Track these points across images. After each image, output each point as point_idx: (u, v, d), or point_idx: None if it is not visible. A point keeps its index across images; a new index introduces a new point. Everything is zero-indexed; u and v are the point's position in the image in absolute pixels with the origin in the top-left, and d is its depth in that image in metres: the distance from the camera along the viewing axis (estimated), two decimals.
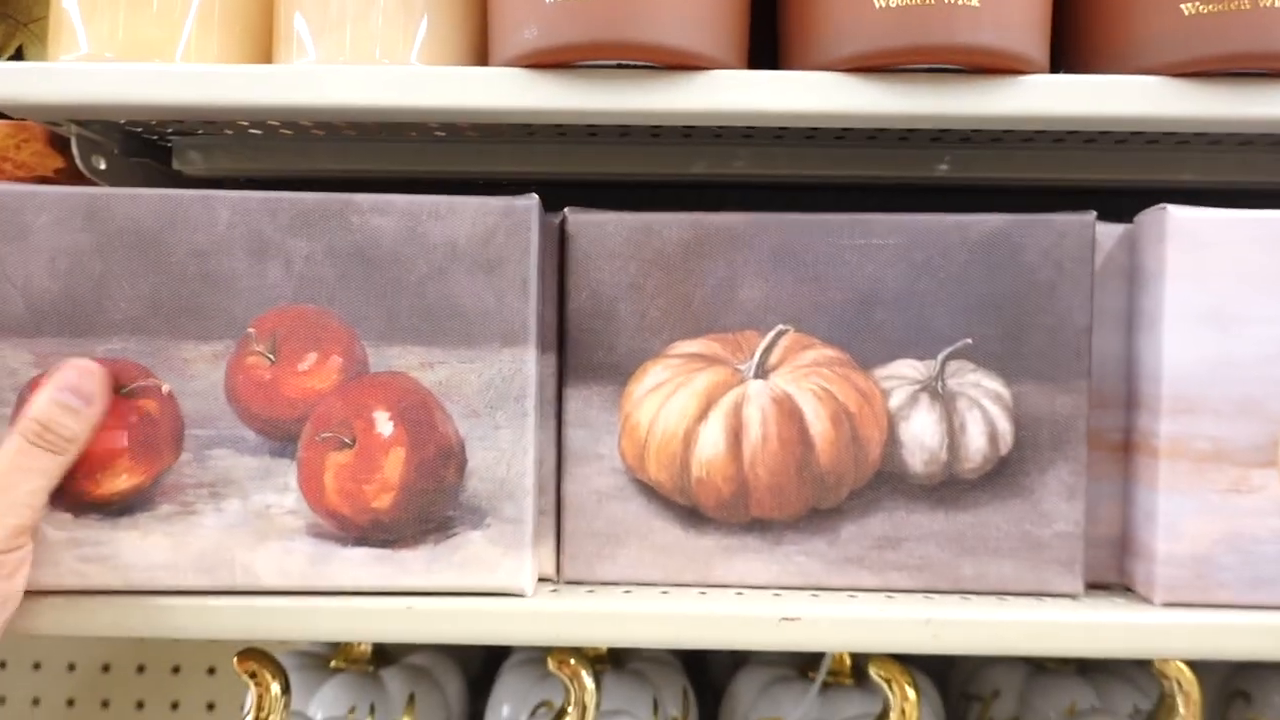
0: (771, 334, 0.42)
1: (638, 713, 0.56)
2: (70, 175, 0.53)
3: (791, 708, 0.55)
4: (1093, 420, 0.43)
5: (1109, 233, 0.44)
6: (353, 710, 0.56)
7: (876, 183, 0.54)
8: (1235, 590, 0.40)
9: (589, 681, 0.46)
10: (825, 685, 0.58)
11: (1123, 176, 0.53)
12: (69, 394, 0.39)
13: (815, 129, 0.46)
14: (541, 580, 0.44)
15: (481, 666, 0.69)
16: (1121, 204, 0.45)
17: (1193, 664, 0.65)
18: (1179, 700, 0.47)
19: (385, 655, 0.62)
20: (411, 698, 0.58)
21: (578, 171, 0.53)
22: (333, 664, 0.60)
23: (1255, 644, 0.40)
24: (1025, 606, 0.41)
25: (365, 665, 0.60)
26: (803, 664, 0.60)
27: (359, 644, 0.61)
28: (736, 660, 0.64)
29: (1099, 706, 0.57)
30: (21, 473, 0.38)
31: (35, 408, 0.38)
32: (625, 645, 0.41)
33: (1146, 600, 0.42)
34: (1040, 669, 0.61)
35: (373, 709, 0.57)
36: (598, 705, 0.47)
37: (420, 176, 0.53)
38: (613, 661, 0.61)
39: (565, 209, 0.43)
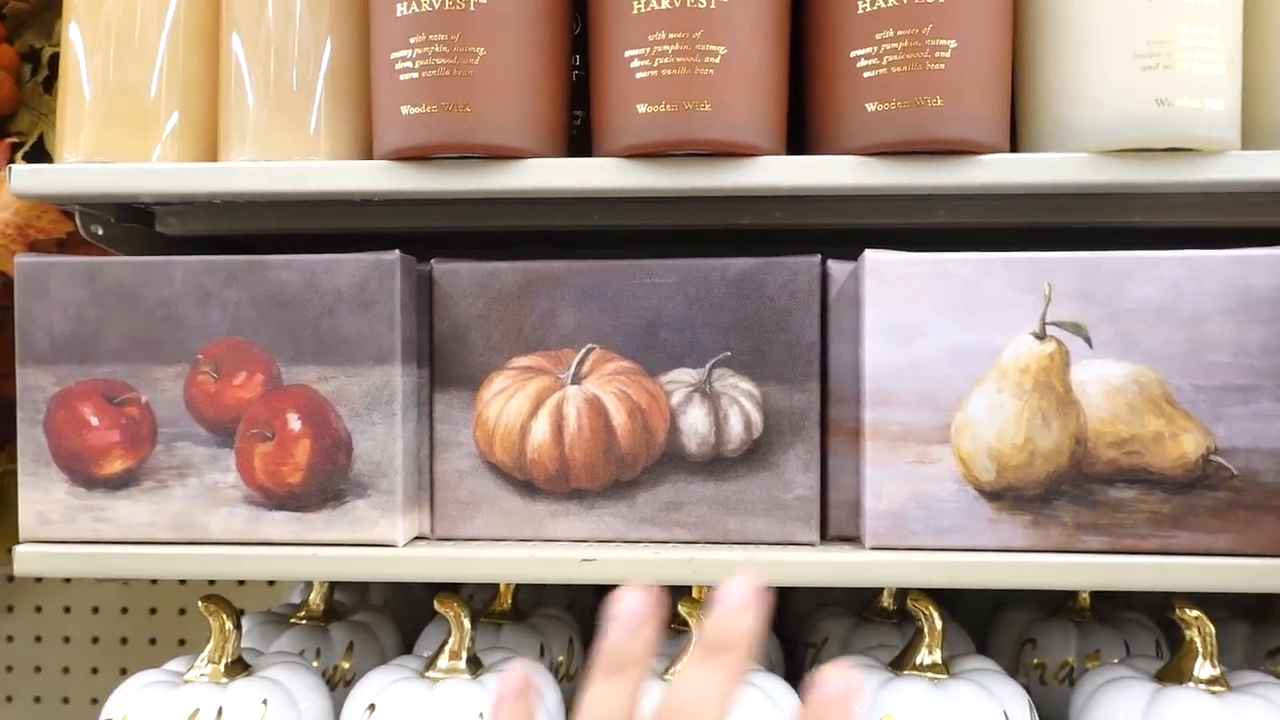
0: (583, 351, 0.57)
1: (526, 654, 0.70)
2: (78, 237, 0.69)
3: None
4: (835, 412, 0.57)
5: (843, 269, 0.57)
6: (302, 652, 0.71)
7: (703, 229, 0.68)
8: (922, 537, 0.54)
9: (466, 621, 0.61)
10: (677, 631, 0.72)
11: (894, 221, 0.67)
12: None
13: None
14: (420, 538, 0.58)
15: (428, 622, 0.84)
16: (890, 241, 0.58)
17: (988, 613, 0.78)
18: (926, 630, 0.60)
19: (334, 613, 0.76)
20: (351, 645, 0.73)
21: (464, 225, 0.68)
22: (291, 620, 0.75)
23: (935, 575, 0.53)
24: (768, 551, 0.55)
25: (318, 620, 0.75)
26: (667, 618, 0.74)
27: (314, 604, 0.76)
28: None
29: (899, 645, 0.70)
30: None
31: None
32: (466, 580, 0.55)
33: (862, 546, 0.55)
34: (862, 620, 0.74)
35: (319, 653, 0.72)
36: (473, 638, 0.61)
37: (343, 232, 0.69)
38: (514, 616, 0.75)
39: (432, 259, 0.58)
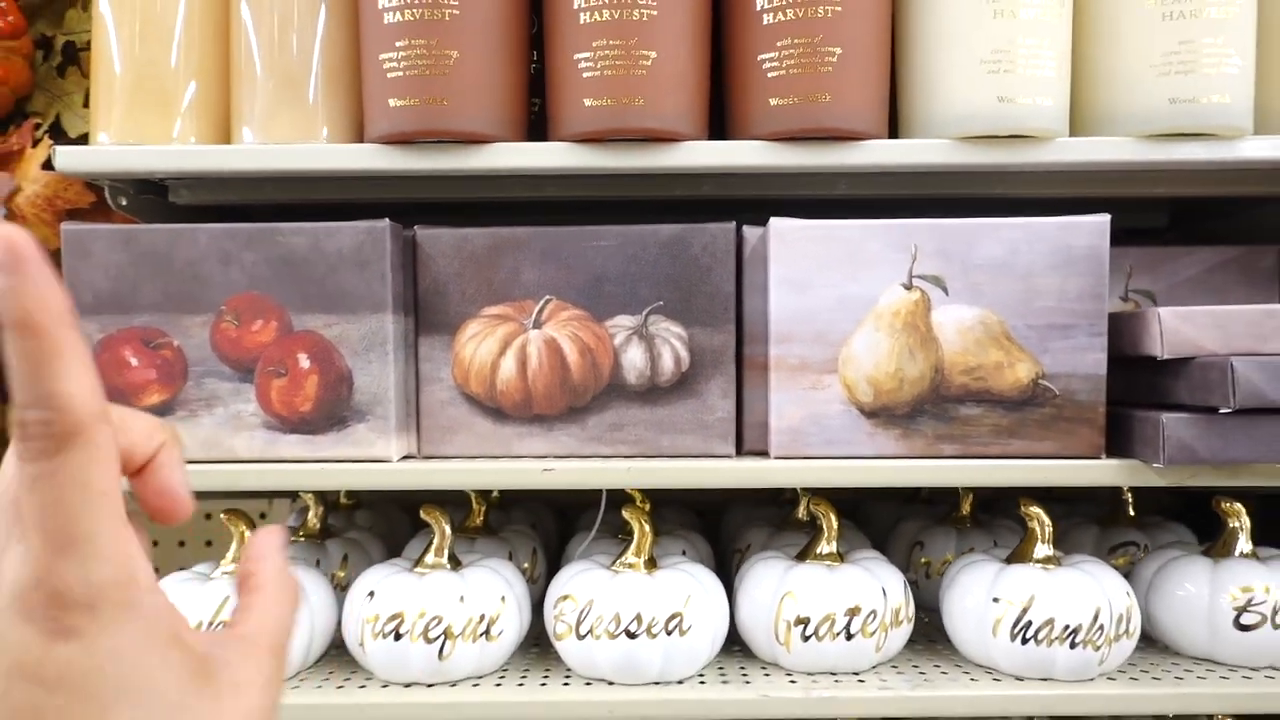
0: (541, 301, 0.69)
1: (497, 559, 0.83)
2: (101, 206, 0.80)
3: (595, 550, 0.82)
4: (748, 350, 0.70)
5: (754, 233, 0.70)
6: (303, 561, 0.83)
7: (641, 199, 0.80)
8: (815, 447, 0.68)
9: (446, 525, 0.73)
10: (622, 540, 0.85)
11: (803, 192, 0.79)
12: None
13: None
14: (409, 457, 0.70)
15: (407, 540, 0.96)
16: (800, 210, 0.70)
17: (889, 525, 0.92)
18: (824, 526, 0.74)
19: (329, 532, 0.89)
20: (345, 556, 0.86)
21: (440, 197, 0.79)
22: (292, 538, 0.87)
23: (826, 477, 0.67)
24: (694, 462, 0.68)
25: (315, 538, 0.87)
26: (615, 530, 0.88)
27: (310, 524, 0.88)
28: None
29: None
30: None
31: None
32: (448, 487, 0.67)
33: (769, 456, 0.69)
34: (779, 530, 0.88)
35: (318, 563, 0.84)
36: (454, 542, 0.74)
37: (334, 203, 0.80)
38: (485, 530, 0.88)
39: (415, 226, 0.69)
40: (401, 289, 0.69)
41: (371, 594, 0.70)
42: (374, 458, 0.67)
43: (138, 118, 0.69)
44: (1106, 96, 0.67)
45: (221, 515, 0.73)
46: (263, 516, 1.15)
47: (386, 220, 0.66)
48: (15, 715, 0.24)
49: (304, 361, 0.67)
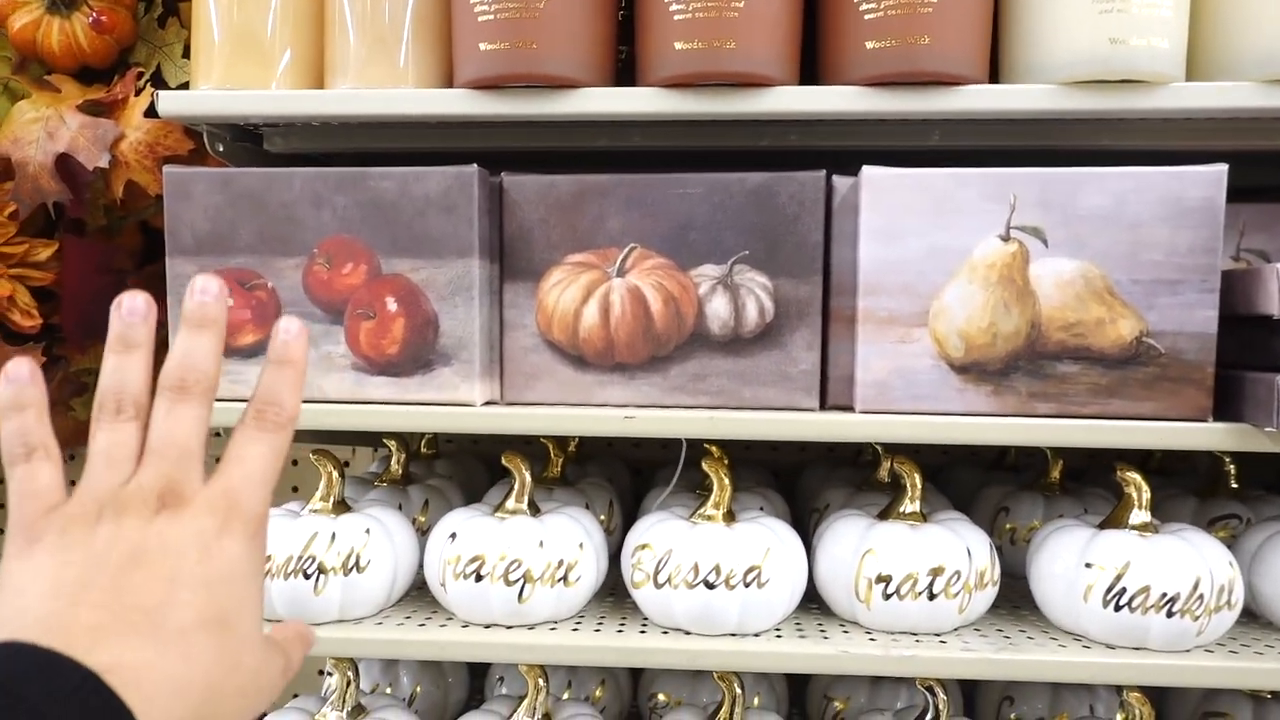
0: (626, 249, 0.69)
1: (575, 508, 0.84)
2: (198, 153, 0.82)
3: (672, 503, 0.82)
4: (834, 301, 0.69)
5: (845, 182, 0.68)
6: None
7: (727, 149, 0.79)
8: (902, 402, 0.66)
9: (526, 472, 0.74)
10: (700, 496, 0.85)
11: (895, 143, 0.77)
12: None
13: None
14: (491, 402, 0.71)
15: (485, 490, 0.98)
16: (891, 162, 0.67)
17: (972, 491, 0.90)
18: (908, 485, 0.73)
19: (411, 478, 0.90)
20: (426, 502, 0.87)
21: (521, 146, 0.79)
22: (375, 483, 0.89)
23: (912, 433, 0.65)
24: (777, 414, 0.67)
25: (399, 483, 0.89)
26: (691, 486, 0.87)
27: (394, 469, 0.90)
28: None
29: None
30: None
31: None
32: (530, 433, 0.67)
33: (853, 411, 0.67)
34: (857, 490, 0.87)
35: (400, 507, 0.86)
36: (533, 490, 0.74)
37: (419, 151, 0.80)
38: (562, 481, 0.89)
39: (502, 173, 0.69)
40: (487, 234, 0.69)
41: (453, 536, 0.71)
42: (458, 401, 0.68)
43: (237, 71, 0.70)
44: (1227, 39, 0.63)
45: (310, 455, 0.75)
46: (347, 465, 1.18)
47: (474, 165, 0.67)
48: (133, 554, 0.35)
49: (391, 305, 0.68)
